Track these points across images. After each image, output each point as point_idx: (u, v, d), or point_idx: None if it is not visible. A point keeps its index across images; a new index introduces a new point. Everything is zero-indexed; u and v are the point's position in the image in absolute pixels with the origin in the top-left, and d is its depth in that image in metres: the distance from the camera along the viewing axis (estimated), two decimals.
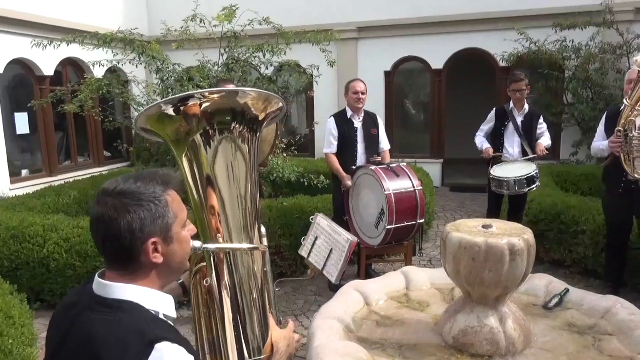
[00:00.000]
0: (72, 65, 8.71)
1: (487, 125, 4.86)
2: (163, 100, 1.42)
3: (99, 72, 7.07)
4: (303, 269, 4.97)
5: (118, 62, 5.98)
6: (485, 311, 2.60)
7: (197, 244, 1.34)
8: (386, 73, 9.39)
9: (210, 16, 5.96)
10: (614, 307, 2.88)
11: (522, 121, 4.65)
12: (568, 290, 3.16)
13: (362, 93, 4.42)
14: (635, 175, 3.66)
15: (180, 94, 1.43)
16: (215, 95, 1.48)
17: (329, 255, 1.54)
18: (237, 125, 1.52)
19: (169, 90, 5.71)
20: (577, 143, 7.82)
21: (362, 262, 4.34)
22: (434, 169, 9.02)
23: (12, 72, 7.77)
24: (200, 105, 1.46)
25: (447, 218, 7.03)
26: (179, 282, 1.69)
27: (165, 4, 9.64)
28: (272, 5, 7.76)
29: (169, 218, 1.20)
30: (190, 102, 1.45)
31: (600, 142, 4.04)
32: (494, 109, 4.87)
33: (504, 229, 2.64)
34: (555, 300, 3.10)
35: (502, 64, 8.42)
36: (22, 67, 7.90)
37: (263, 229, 1.64)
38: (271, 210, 4.77)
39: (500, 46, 8.20)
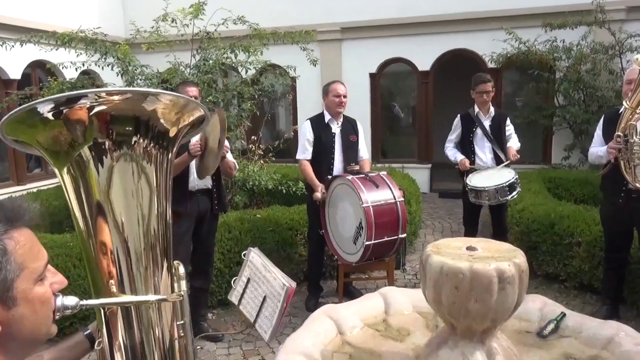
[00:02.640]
0: (41, 69, 8.29)
1: (454, 134, 4.56)
2: (42, 100, 1.06)
3: (74, 75, 6.64)
4: None
5: (83, 64, 5.61)
6: (471, 346, 2.25)
7: (70, 301, 0.98)
8: (371, 75, 9.07)
9: (181, 15, 5.60)
10: (617, 335, 2.54)
11: (490, 125, 4.36)
12: (565, 315, 2.82)
13: (344, 96, 4.08)
14: (637, 184, 3.35)
15: (68, 93, 1.08)
16: (116, 98, 1.14)
17: (262, 304, 1.19)
18: (141, 140, 1.17)
19: None
20: (569, 147, 7.52)
21: (341, 280, 3.98)
22: (421, 174, 8.70)
23: None
24: (91, 109, 1.11)
25: (435, 226, 6.70)
26: (86, 333, 1.33)
27: (141, 4, 9.24)
28: (251, 5, 7.42)
29: (8, 271, 0.84)
30: (78, 105, 1.10)
31: (598, 148, 3.72)
32: (458, 115, 4.57)
33: (491, 250, 2.30)
34: (551, 326, 2.75)
35: (490, 65, 8.12)
36: None
37: (182, 270, 1.28)
38: (243, 223, 4.41)
39: (489, 47, 7.91)
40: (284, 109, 10.64)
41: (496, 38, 7.66)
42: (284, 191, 5.39)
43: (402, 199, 3.66)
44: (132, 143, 1.15)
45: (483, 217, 4.77)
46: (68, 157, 1.11)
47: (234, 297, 1.31)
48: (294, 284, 1.19)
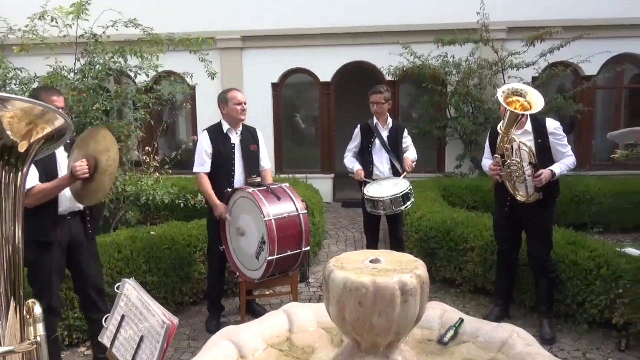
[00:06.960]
0: None
1: (353, 144, 4.64)
2: None
3: None
4: (177, 308, 4.30)
5: None
6: None
7: None
8: (273, 85, 8.99)
9: (62, 14, 5.09)
10: (510, 338, 2.64)
11: (387, 136, 4.49)
12: (462, 320, 2.89)
13: (245, 103, 3.92)
14: (518, 197, 3.59)
15: None
16: None
17: (138, 346, 1.01)
18: None
19: None
20: (460, 156, 7.99)
21: (242, 298, 3.79)
22: (325, 184, 8.75)
23: None
24: None
25: (339, 236, 6.73)
26: None
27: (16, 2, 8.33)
28: (147, 9, 7.00)
29: None
30: None
31: (486, 161, 3.95)
32: (358, 125, 4.67)
33: (393, 262, 2.27)
34: (451, 333, 2.81)
35: (388, 77, 8.41)
36: None
37: (38, 310, 1.06)
38: (135, 241, 4.06)
39: (387, 60, 8.18)
40: (184, 118, 10.19)
41: (393, 52, 7.95)
42: (182, 205, 5.08)
43: (305, 211, 3.58)
44: None
45: (384, 225, 4.84)
46: None
47: (105, 339, 1.10)
48: (175, 321, 1.02)
